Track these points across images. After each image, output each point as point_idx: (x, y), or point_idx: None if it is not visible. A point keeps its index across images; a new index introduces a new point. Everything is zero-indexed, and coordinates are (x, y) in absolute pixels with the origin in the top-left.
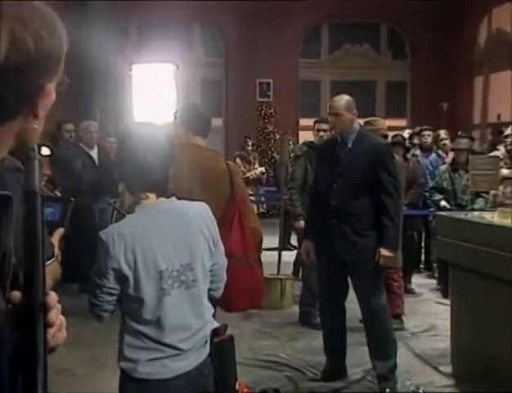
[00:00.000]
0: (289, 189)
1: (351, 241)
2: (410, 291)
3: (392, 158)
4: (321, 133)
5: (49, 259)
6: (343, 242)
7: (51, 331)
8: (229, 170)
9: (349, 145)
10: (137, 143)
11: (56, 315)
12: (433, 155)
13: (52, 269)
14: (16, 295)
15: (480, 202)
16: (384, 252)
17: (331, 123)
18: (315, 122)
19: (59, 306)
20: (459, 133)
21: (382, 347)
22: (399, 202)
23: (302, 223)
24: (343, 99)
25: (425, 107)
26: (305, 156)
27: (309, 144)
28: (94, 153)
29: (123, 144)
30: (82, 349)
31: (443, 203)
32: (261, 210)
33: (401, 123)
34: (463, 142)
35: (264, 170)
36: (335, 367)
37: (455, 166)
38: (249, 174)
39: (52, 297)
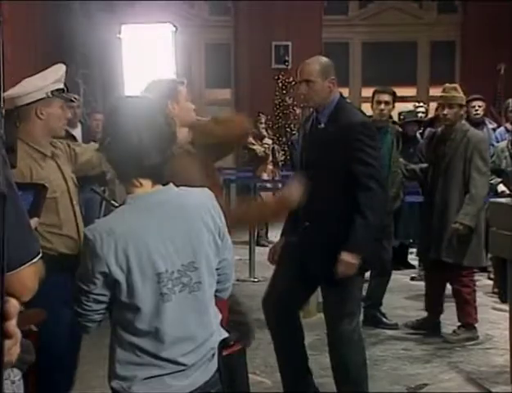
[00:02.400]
0: None
1: (323, 251)
2: None
3: (371, 140)
4: (382, 106)
5: (35, 256)
6: (312, 252)
7: (7, 343)
8: None
9: (322, 124)
10: (129, 121)
11: (15, 326)
12: (501, 128)
13: (38, 268)
14: None
15: None
16: (345, 257)
17: (302, 93)
18: (374, 92)
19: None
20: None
21: (352, 379)
22: (381, 198)
23: None
24: (318, 61)
25: (479, 71)
26: None
27: None
28: (77, 133)
29: (111, 122)
30: None
31: (502, 188)
32: None
33: None
34: None
35: (270, 142)
36: None
37: None
38: (255, 148)
39: (13, 304)
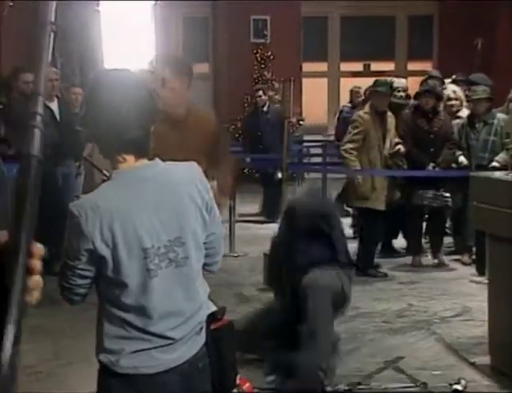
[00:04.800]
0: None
1: None
2: (440, 265)
3: None
4: None
5: None
6: None
7: (33, 279)
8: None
9: None
10: (109, 95)
11: (39, 265)
12: None
13: None
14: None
15: (504, 155)
16: None
17: None
18: None
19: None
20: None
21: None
22: None
23: None
24: None
25: (456, 46)
26: None
27: None
28: (54, 106)
29: (92, 96)
30: (46, 342)
31: (462, 159)
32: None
33: (427, 66)
34: (480, 90)
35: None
36: None
37: (472, 120)
38: None
39: (38, 248)
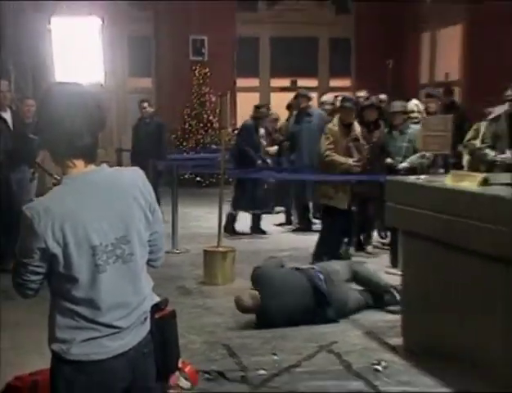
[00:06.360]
0: None
1: None
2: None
3: None
4: None
5: None
6: None
7: None
8: None
9: None
10: (61, 105)
11: None
12: None
13: None
14: None
15: (414, 159)
16: None
17: None
18: None
19: None
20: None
21: None
22: None
23: None
24: None
25: (371, 65)
26: None
27: None
28: (7, 116)
29: (45, 106)
30: (3, 334)
31: (389, 160)
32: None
33: (346, 83)
34: (397, 105)
35: None
36: None
37: (391, 129)
38: None
39: None
